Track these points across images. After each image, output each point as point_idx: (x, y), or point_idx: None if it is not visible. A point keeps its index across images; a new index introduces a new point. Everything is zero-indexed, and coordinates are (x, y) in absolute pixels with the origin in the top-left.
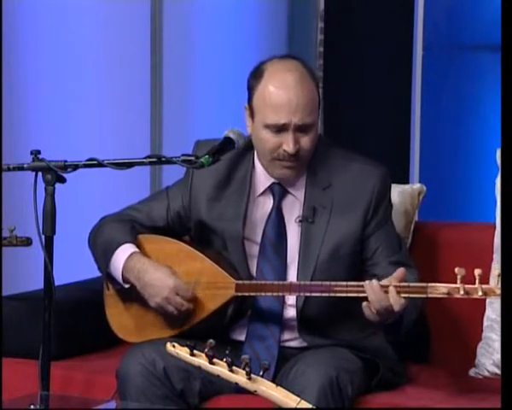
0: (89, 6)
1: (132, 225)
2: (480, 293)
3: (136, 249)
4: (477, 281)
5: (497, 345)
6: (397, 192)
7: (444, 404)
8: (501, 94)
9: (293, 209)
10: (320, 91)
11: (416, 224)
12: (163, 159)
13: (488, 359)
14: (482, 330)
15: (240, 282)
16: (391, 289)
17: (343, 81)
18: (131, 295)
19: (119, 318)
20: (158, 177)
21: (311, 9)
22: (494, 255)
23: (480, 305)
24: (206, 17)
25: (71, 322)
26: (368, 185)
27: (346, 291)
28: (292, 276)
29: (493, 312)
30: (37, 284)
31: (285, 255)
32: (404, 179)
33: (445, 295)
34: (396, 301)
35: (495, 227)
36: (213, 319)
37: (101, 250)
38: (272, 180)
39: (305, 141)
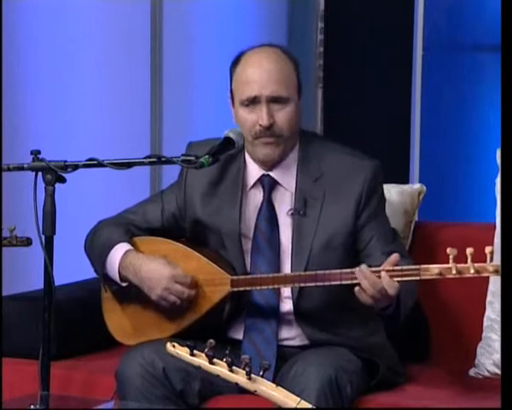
0: (89, 6)
1: (128, 227)
2: (472, 271)
3: (131, 247)
4: (469, 260)
5: (497, 345)
6: (397, 192)
7: (444, 404)
8: (501, 94)
9: (284, 201)
10: (320, 91)
11: (416, 224)
12: (163, 159)
13: (488, 359)
14: (482, 331)
15: (235, 277)
16: (383, 274)
17: (343, 81)
18: (128, 295)
19: (117, 321)
20: (158, 177)
21: (311, 9)
22: (494, 255)
23: (480, 305)
24: (206, 17)
25: (71, 322)
26: (359, 177)
27: (340, 279)
28: (287, 269)
29: (493, 312)
30: (37, 284)
31: (278, 248)
32: (404, 179)
33: (438, 276)
34: (390, 285)
35: (495, 227)
36: (211, 319)
37: (97, 252)
38: (262, 172)
39: (281, 115)
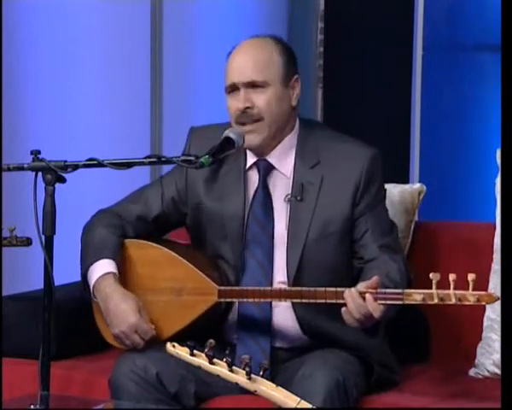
0: (89, 6)
1: (123, 230)
2: (454, 300)
3: (112, 269)
4: (451, 287)
5: (497, 345)
6: (397, 192)
7: (444, 404)
8: (501, 94)
9: (280, 187)
10: (320, 91)
11: (416, 224)
12: (163, 159)
13: (488, 359)
14: (482, 331)
15: (222, 288)
16: (368, 296)
17: (343, 81)
18: None
19: (106, 325)
20: (158, 177)
21: (311, 9)
22: (494, 255)
23: (479, 305)
24: (206, 17)
25: (71, 322)
26: (357, 165)
27: (325, 297)
28: (280, 255)
29: (493, 312)
30: (37, 284)
31: (272, 233)
32: (404, 179)
33: (421, 302)
34: (375, 309)
35: (495, 227)
36: (202, 323)
37: (87, 253)
38: (258, 157)
39: (259, 99)
